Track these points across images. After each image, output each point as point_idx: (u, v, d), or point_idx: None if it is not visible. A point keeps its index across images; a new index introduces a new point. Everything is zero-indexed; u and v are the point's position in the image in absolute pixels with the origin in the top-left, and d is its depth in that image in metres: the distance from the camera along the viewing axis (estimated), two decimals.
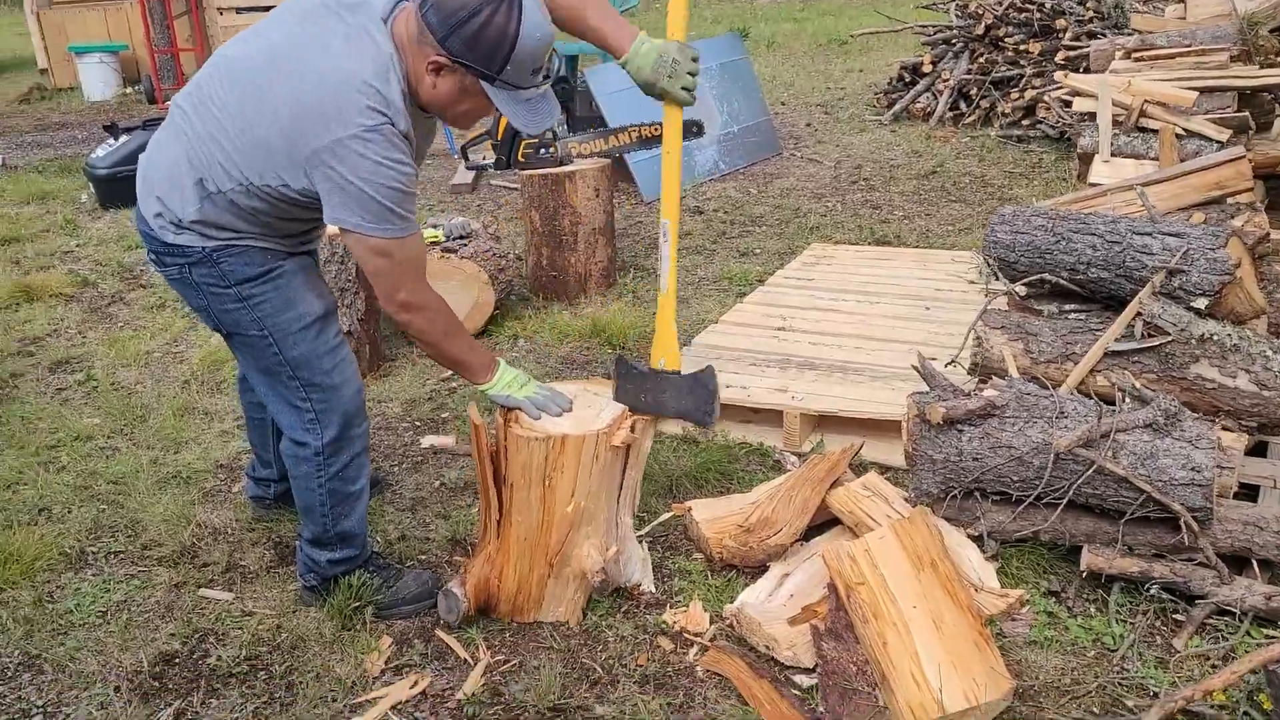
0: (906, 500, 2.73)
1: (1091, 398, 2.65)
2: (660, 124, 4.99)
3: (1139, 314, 2.69)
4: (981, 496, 2.63)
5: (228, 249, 2.32)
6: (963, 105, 7.84)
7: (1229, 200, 3.46)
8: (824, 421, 3.37)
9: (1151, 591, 2.46)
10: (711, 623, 2.53)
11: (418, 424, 3.71)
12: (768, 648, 2.39)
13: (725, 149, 6.93)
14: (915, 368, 2.69)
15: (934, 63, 8.16)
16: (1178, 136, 3.80)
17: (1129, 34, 5.24)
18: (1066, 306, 2.97)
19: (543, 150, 4.69)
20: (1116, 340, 2.73)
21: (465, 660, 2.49)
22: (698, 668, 2.40)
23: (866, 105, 8.72)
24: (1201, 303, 2.63)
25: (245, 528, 3.11)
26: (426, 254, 2.39)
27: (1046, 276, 2.90)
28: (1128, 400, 2.58)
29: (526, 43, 2.08)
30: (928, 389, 2.72)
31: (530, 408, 2.45)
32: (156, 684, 2.45)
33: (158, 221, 2.31)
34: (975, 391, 2.63)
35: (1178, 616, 2.45)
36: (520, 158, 4.72)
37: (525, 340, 4.38)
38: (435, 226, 4.43)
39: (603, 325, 4.32)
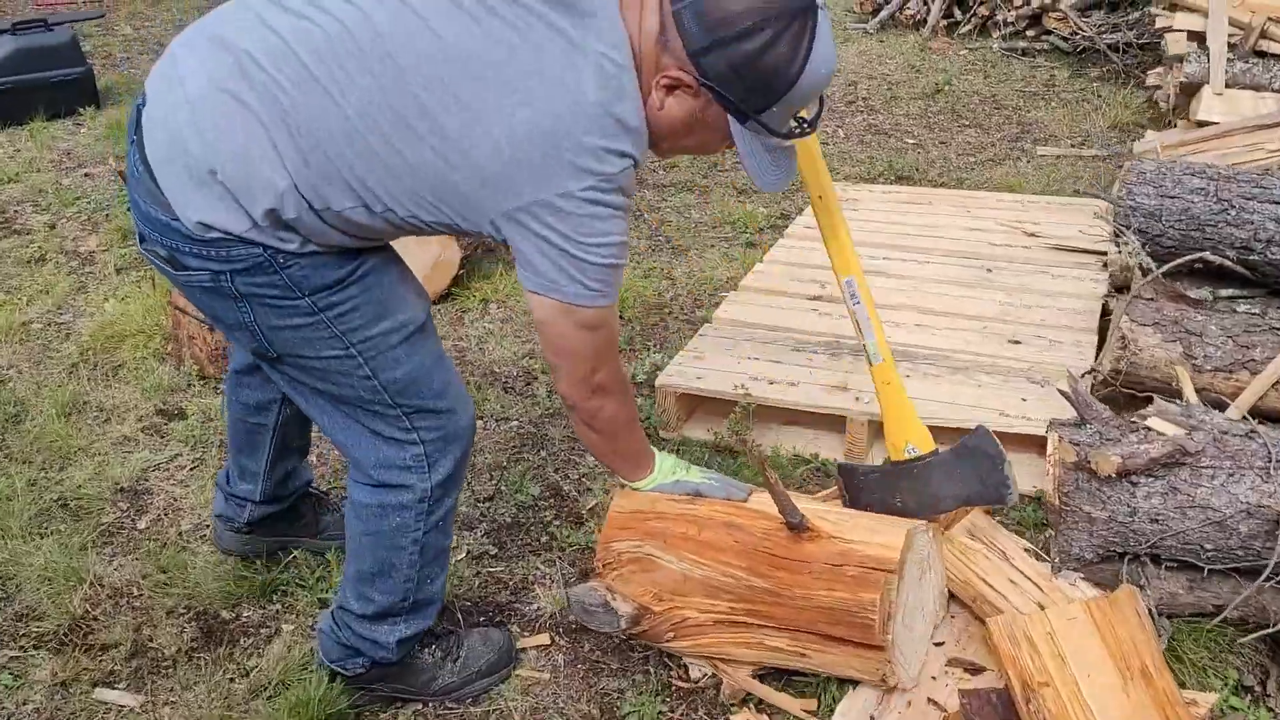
0: (1028, 552, 2.10)
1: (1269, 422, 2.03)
2: None
3: None
4: (1153, 562, 1.99)
5: (298, 256, 1.61)
6: (957, 12, 7.09)
7: None
8: None
9: None
10: None
11: None
12: None
13: None
14: (1065, 394, 2.01)
15: None
16: None
17: None
18: (1222, 292, 2.32)
19: None
20: None
21: None
22: None
23: (846, 11, 7.90)
24: None
25: (155, 586, 2.36)
26: None
27: (1208, 256, 2.23)
28: None
29: (809, 80, 1.54)
30: (1075, 419, 2.05)
31: (713, 489, 1.94)
32: None
33: (191, 209, 1.57)
34: (1146, 428, 1.96)
35: None
36: None
37: (499, 305, 3.61)
38: None
39: None
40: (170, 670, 2.14)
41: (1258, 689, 1.96)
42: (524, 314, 3.54)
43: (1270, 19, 3.02)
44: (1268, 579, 1.81)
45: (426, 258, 3.53)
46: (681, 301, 3.60)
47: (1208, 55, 3.05)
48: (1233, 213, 2.21)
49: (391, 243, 1.78)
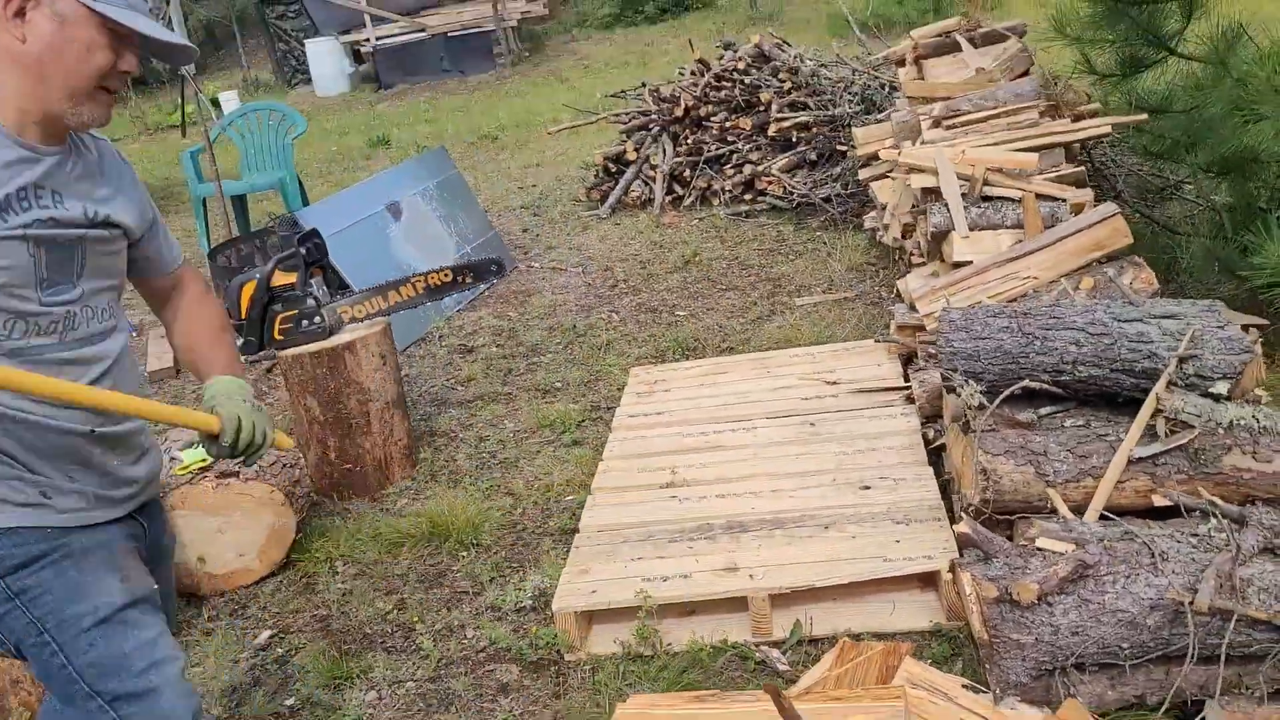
0: (965, 687, 2.22)
1: (1114, 518, 2.30)
2: (448, 269, 4.24)
3: (1159, 410, 2.39)
4: (1076, 669, 2.17)
5: None
6: (678, 188, 7.69)
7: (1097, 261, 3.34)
8: (792, 595, 2.79)
9: None
10: None
11: None
12: None
13: None
14: (965, 536, 2.19)
15: (636, 149, 7.97)
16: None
17: (885, 101, 5.21)
18: (1043, 410, 2.63)
19: (305, 322, 3.80)
20: (1137, 444, 2.40)
21: None
22: None
23: (573, 201, 8.37)
24: (1223, 387, 2.36)
25: None
26: None
27: (1029, 384, 2.53)
28: (1194, 514, 2.25)
29: None
30: (978, 555, 2.23)
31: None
32: None
33: None
34: (1040, 550, 2.17)
35: None
36: (278, 335, 3.80)
37: (346, 562, 3.44)
38: (196, 445, 3.40)
39: (441, 521, 3.49)
40: None
41: None
42: (375, 563, 3.40)
43: (988, 169, 3.54)
44: (1195, 661, 2.02)
45: (259, 530, 3.34)
46: (531, 515, 3.58)
47: (947, 206, 3.51)
48: (1039, 343, 2.54)
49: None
